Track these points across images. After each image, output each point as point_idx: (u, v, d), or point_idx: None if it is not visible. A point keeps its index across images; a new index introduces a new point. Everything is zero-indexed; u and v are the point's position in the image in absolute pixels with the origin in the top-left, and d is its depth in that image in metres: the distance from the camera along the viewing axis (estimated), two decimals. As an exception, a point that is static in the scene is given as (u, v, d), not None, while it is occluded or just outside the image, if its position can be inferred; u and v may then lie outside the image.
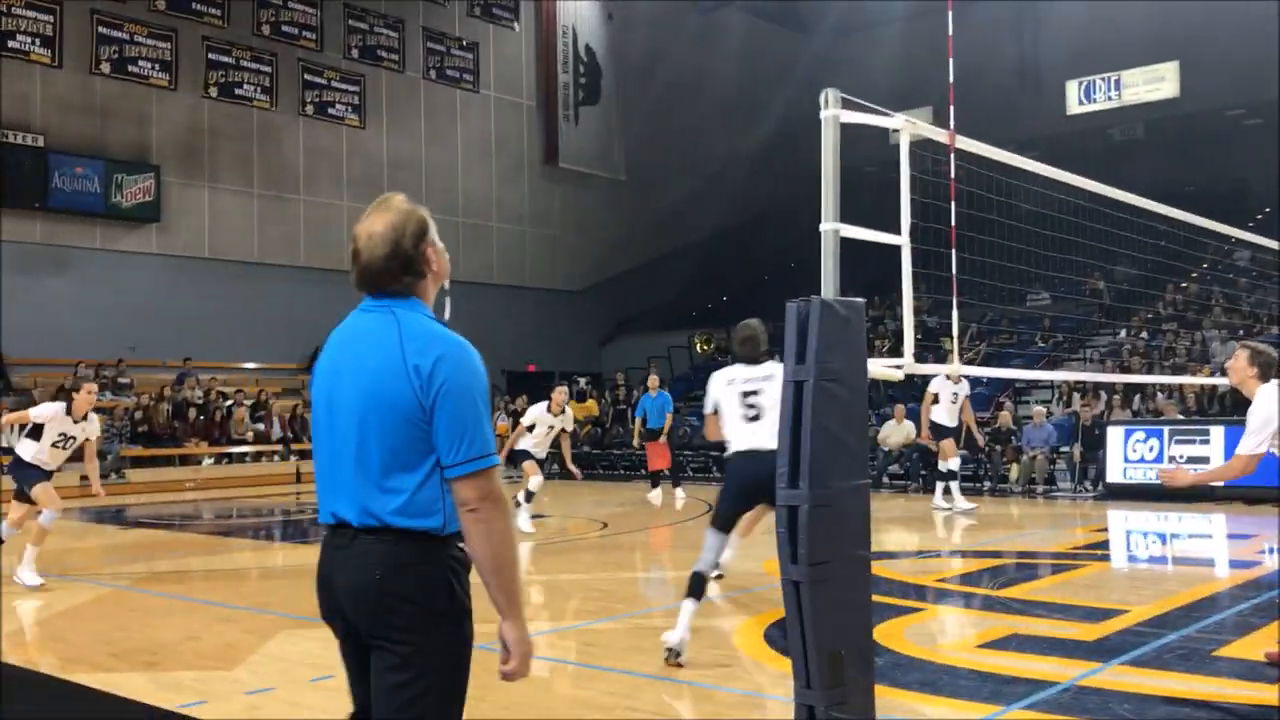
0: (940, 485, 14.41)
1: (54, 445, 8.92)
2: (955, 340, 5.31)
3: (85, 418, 9.03)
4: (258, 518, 16.03)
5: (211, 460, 21.20)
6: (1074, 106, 29.16)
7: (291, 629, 7.11)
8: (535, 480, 12.55)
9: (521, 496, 12.32)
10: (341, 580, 2.58)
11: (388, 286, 2.64)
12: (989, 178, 6.32)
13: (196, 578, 10.20)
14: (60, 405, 8.98)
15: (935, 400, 14.11)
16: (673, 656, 5.90)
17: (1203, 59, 26.61)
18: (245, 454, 21.59)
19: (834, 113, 4.18)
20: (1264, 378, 5.70)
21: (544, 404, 12.98)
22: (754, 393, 6.25)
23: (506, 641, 2.55)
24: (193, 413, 21.46)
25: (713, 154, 32.01)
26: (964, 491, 14.39)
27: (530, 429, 12.79)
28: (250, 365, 24.39)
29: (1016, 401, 20.11)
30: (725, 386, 6.35)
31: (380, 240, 2.63)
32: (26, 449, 8.92)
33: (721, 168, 32.10)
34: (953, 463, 14.12)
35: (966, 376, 13.27)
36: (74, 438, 9.03)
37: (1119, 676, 5.66)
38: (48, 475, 8.95)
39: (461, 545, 2.58)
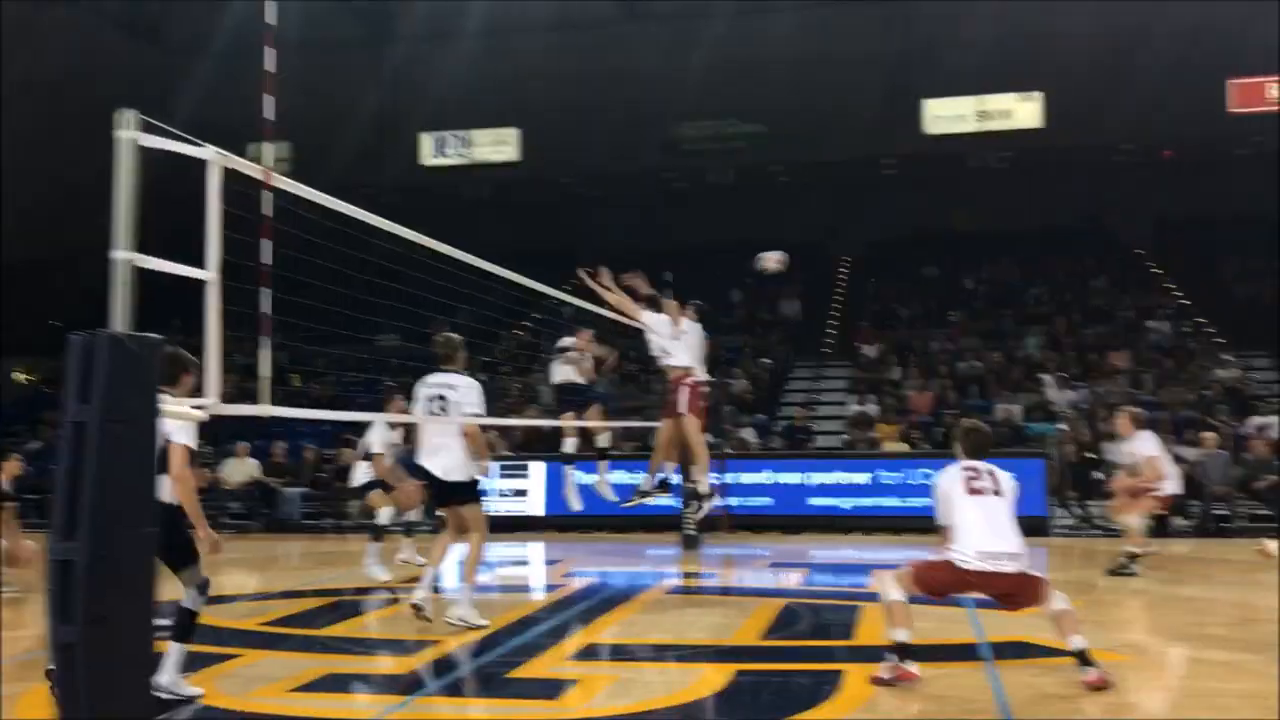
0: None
1: None
2: (268, 379, 5.23)
3: None
4: None
5: None
6: (427, 158, 30.68)
7: None
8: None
9: None
10: None
11: None
12: (342, 219, 6.37)
13: None
14: None
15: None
16: None
17: (543, 129, 29.40)
18: None
19: (130, 135, 3.95)
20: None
21: None
22: None
23: None
24: None
25: (44, 166, 28.80)
26: (324, 530, 14.21)
27: None
28: None
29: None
30: None
31: None
32: None
33: (49, 183, 28.97)
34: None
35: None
36: None
37: (423, 708, 5.92)
38: None
39: None
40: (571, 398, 11.74)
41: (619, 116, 28.35)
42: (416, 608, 8.07)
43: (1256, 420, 17.95)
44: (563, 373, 11.92)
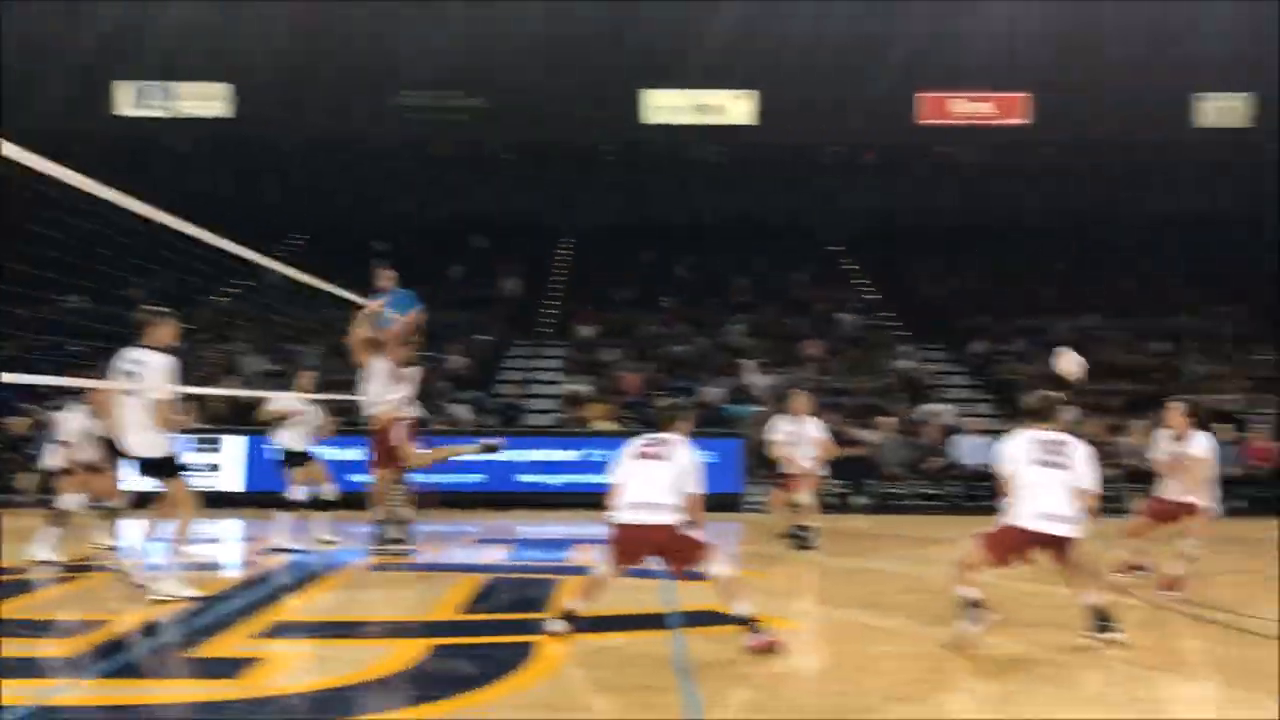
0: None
1: None
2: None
3: None
4: None
5: None
6: (126, 108, 28.59)
7: None
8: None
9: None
10: None
11: None
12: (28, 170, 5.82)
13: None
14: None
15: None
16: None
17: (258, 86, 28.06)
18: None
19: None
20: None
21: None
22: None
23: None
24: None
25: None
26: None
27: None
28: None
29: (49, 408, 18.91)
30: None
31: None
32: None
33: None
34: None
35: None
36: None
37: (92, 691, 5.58)
38: None
39: None
40: (296, 462, 11.63)
41: (338, 80, 27.49)
42: (135, 586, 8.00)
43: (929, 407, 19.62)
44: (286, 438, 11.69)
